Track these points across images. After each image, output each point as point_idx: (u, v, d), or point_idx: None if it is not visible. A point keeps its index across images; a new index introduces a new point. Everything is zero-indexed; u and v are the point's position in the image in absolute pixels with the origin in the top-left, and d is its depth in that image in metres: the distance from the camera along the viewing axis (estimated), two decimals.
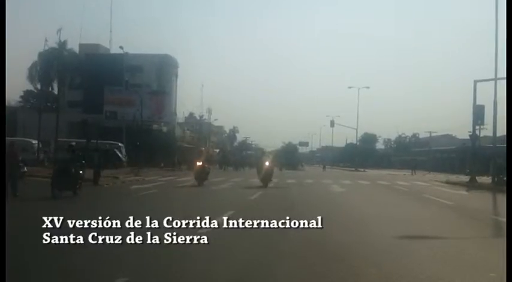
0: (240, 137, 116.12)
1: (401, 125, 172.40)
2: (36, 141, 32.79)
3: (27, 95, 67.76)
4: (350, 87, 68.62)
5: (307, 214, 12.67)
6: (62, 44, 32.57)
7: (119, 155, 39.33)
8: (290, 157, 76.67)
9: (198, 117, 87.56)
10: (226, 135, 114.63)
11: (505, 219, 11.49)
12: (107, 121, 55.35)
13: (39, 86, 35.91)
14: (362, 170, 61.21)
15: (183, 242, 6.35)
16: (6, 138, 29.24)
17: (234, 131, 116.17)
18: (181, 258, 6.77)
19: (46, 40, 32.83)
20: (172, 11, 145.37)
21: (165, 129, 59.65)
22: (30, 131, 42.06)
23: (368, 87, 69.51)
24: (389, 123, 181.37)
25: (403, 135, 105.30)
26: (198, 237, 7.97)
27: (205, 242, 6.51)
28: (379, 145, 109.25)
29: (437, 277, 5.90)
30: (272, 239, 8.61)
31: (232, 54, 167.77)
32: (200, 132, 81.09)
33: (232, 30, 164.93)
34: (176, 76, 64.41)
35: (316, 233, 9.34)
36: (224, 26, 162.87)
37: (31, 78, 34.22)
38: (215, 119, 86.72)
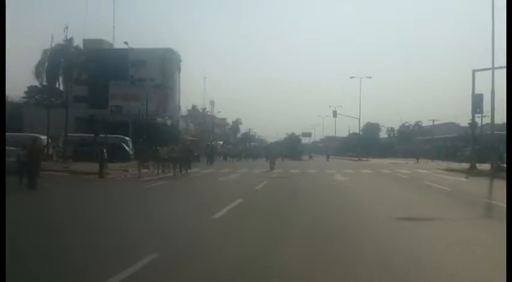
0: (243, 129, 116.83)
1: (404, 113, 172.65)
2: (46, 137, 33.44)
3: (31, 90, 68.42)
4: (352, 77, 68.84)
5: (310, 200, 13.61)
6: (69, 41, 33.18)
7: (126, 148, 40.02)
8: (293, 148, 77.32)
9: (200, 110, 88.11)
10: (229, 127, 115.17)
11: (496, 203, 12.32)
12: (112, 115, 56.03)
13: (45, 82, 36.49)
14: (365, 159, 61.74)
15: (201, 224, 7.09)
16: (27, 134, 29.84)
17: (237, 123, 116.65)
18: (200, 237, 7.71)
19: (52, 37, 33.46)
20: (173, 5, 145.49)
21: (169, 122, 60.20)
22: (35, 126, 42.71)
23: (370, 77, 69.70)
24: (392, 112, 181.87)
25: (406, 124, 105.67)
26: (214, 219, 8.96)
27: (220, 223, 7.33)
28: (382, 134, 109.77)
29: (426, 252, 6.67)
30: (280, 220, 9.48)
31: (234, 46, 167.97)
32: (203, 125, 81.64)
33: (234, 22, 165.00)
34: (179, 70, 64.91)
35: (319, 216, 10.26)
36: (225, 17, 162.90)
37: (37, 74, 34.81)
38: (218, 112, 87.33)
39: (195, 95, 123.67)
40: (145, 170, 25.22)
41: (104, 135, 30.91)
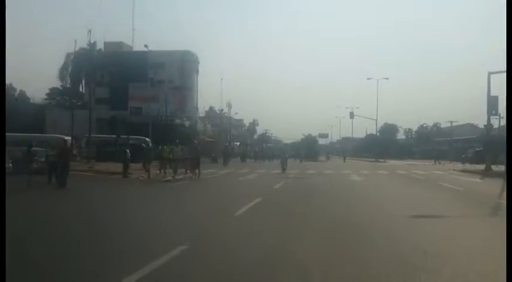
0: (260, 130, 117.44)
1: (422, 114, 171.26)
2: (70, 138, 34.54)
3: (53, 92, 70.09)
4: (369, 79, 69.04)
5: (327, 199, 14.24)
6: (92, 45, 34.31)
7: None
8: (310, 149, 77.67)
9: (218, 111, 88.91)
10: (246, 128, 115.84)
11: (505, 202, 12.74)
12: (132, 117, 57.24)
13: (69, 84, 37.71)
14: (382, 160, 61.81)
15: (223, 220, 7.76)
16: (53, 135, 30.73)
17: (253, 124, 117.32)
18: (223, 231, 8.45)
19: (75, 41, 34.61)
20: (190, 6, 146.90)
21: (187, 123, 61.13)
22: (56, 127, 43.96)
23: (387, 78, 69.87)
24: (410, 114, 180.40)
25: (425, 125, 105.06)
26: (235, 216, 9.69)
27: (241, 220, 8.01)
28: (400, 135, 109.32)
29: (434, 245, 7.21)
30: (297, 217, 10.13)
31: (251, 47, 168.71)
32: (220, 126, 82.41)
33: (252, 23, 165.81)
34: (197, 71, 65.85)
35: (334, 213, 10.87)
36: (243, 18, 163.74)
37: (62, 77, 36.06)
38: (236, 113, 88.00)
39: (212, 96, 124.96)
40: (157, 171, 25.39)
41: (126, 136, 31.82)
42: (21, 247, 6.76)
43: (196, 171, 24.08)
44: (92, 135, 38.45)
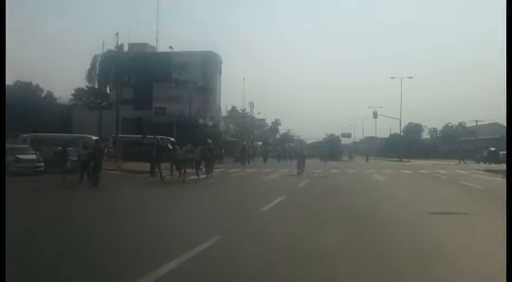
0: (282, 130, 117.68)
1: (447, 114, 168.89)
2: (97, 138, 35.45)
3: (78, 93, 71.78)
4: (393, 78, 68.57)
5: (349, 196, 14.63)
6: (120, 47, 35.30)
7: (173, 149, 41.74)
8: (333, 148, 77.48)
9: (240, 111, 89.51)
10: (268, 128, 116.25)
11: None
12: (156, 117, 58.26)
13: (96, 86, 38.83)
14: (406, 160, 61.41)
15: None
16: (88, 136, 31.62)
17: (276, 124, 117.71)
18: (252, 225, 9.09)
19: (103, 44, 35.63)
20: (213, 7, 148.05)
21: (210, 123, 61.91)
22: (84, 127, 45.13)
23: (411, 78, 69.27)
24: (435, 113, 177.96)
25: (450, 125, 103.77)
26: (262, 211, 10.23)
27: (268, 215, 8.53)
28: (425, 135, 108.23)
29: (448, 238, 7.71)
30: (320, 213, 10.56)
31: (273, 48, 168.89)
32: (243, 126, 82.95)
33: (273, 22, 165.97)
34: (220, 72, 66.54)
35: (357, 209, 11.27)
36: (265, 18, 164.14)
37: (90, 78, 37.13)
38: (258, 113, 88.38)
39: (234, 96, 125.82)
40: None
41: (153, 136, 32.55)
42: (67, 241, 7.45)
43: (209, 171, 23.10)
44: (118, 135, 39.37)
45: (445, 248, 6.93)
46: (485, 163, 44.50)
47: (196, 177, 22.53)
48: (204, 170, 23.31)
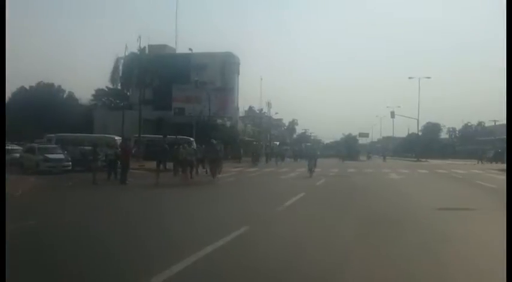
0: (299, 130, 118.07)
1: (466, 113, 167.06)
2: (120, 138, 36.46)
3: (98, 93, 73.31)
4: (410, 78, 68.63)
5: (365, 194, 15.34)
6: (142, 50, 36.43)
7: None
8: (350, 148, 77.69)
9: (257, 111, 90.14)
10: (285, 128, 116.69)
11: None
12: (175, 117, 59.31)
13: (119, 87, 40.02)
14: (424, 160, 61.43)
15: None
16: (110, 136, 32.58)
17: (293, 124, 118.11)
18: (275, 217, 10.04)
19: (126, 47, 36.76)
20: (230, 8, 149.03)
21: (228, 123, 62.70)
22: (106, 127, 46.28)
23: (429, 77, 69.23)
24: (453, 113, 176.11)
25: (469, 124, 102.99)
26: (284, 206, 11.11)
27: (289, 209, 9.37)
28: (443, 135, 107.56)
29: (459, 233, 8.39)
30: (338, 208, 11.37)
31: (291, 48, 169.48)
32: (260, 126, 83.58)
33: (290, 23, 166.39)
34: (238, 72, 67.31)
35: (372, 205, 11.98)
36: (282, 18, 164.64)
37: (113, 80, 38.29)
38: (276, 113, 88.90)
39: (251, 96, 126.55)
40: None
41: (174, 136, 33.47)
42: (129, 225, 8.84)
43: (216, 172, 21.95)
44: (139, 135, 40.38)
45: (449, 238, 7.68)
46: (490, 163, 47.06)
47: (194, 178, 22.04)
48: (208, 171, 22.40)
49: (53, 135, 35.24)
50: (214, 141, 25.19)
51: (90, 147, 29.05)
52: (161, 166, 22.62)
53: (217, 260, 6.09)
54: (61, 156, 26.68)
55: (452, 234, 8.14)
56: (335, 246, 7.04)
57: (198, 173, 22.25)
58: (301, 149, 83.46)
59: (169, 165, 24.57)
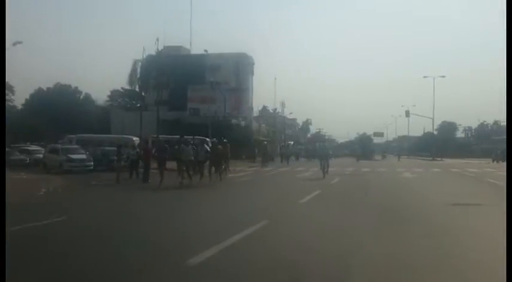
0: (313, 129, 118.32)
1: (482, 112, 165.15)
2: (138, 138, 37.30)
3: (114, 94, 74.47)
4: (425, 77, 68.62)
5: (378, 192, 15.94)
6: (160, 52, 37.23)
7: (207, 148, 43.35)
8: (365, 147, 77.81)
9: (271, 111, 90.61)
10: (299, 127, 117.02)
11: None
12: (190, 117, 60.15)
13: (137, 89, 40.89)
14: (439, 159, 61.44)
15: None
16: (128, 136, 33.30)
17: (307, 123, 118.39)
18: (294, 212, 10.86)
19: (144, 49, 37.58)
20: (244, 7, 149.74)
21: (242, 123, 63.32)
22: (123, 128, 47.23)
23: (444, 76, 69.15)
24: (469, 111, 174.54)
25: (485, 123, 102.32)
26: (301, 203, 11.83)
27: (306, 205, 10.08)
28: (459, 133, 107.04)
29: (465, 227, 8.95)
30: (352, 204, 12.20)
31: (304, 47, 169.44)
32: (274, 125, 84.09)
33: (304, 22, 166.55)
34: (252, 72, 67.92)
35: (384, 201, 12.58)
36: (296, 17, 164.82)
37: (131, 82, 39.15)
38: (290, 113, 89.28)
39: (265, 96, 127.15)
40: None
41: (191, 136, 34.21)
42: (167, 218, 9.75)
43: (218, 173, 20.83)
44: (155, 135, 41.15)
45: (453, 230, 8.37)
46: (497, 162, 47.69)
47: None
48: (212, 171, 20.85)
49: (73, 136, 36.25)
50: (217, 141, 24.60)
51: (111, 148, 30.16)
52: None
53: (245, 245, 7.00)
54: (83, 156, 27.61)
55: (454, 225, 8.88)
56: (349, 236, 7.71)
57: (202, 173, 20.61)
58: (315, 148, 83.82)
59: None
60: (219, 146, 23.32)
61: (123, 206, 12.51)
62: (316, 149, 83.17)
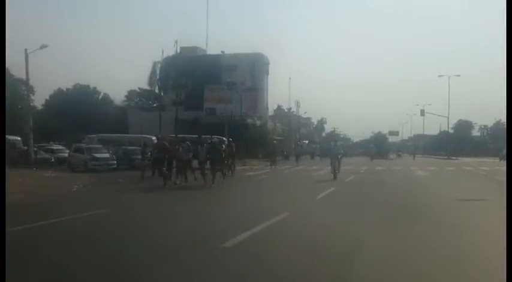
0: (328, 128, 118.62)
1: (497, 111, 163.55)
2: (156, 138, 38.29)
3: (131, 94, 75.68)
4: (440, 76, 68.79)
5: (391, 188, 16.75)
6: (178, 54, 38.43)
7: (225, 147, 44.28)
8: (379, 146, 78.06)
9: (285, 110, 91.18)
10: (314, 126, 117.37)
11: None
12: (206, 117, 61.15)
13: (157, 89, 42.11)
14: (454, 158, 61.59)
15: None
16: (148, 136, 34.44)
17: (321, 123, 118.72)
18: (311, 207, 11.83)
19: (163, 51, 38.84)
20: (259, 7, 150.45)
21: (258, 123, 64.05)
22: (140, 127, 48.29)
23: (459, 75, 69.27)
24: (485, 110, 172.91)
25: (501, 121, 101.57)
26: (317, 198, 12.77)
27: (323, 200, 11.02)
28: (475, 132, 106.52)
29: (472, 220, 9.81)
30: (365, 199, 13.04)
31: (319, 46, 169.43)
32: (289, 125, 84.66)
33: (319, 21, 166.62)
34: (267, 72, 68.64)
35: (397, 197, 13.43)
36: (310, 16, 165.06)
37: (151, 83, 40.47)
38: (305, 112, 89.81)
39: (280, 95, 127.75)
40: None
41: (209, 135, 35.17)
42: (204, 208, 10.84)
43: (217, 174, 18.71)
44: (173, 135, 42.17)
45: (456, 221, 9.27)
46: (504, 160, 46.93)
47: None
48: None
49: (94, 135, 37.40)
50: (217, 140, 23.30)
51: (132, 147, 31.26)
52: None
53: (271, 231, 8.11)
54: (107, 155, 28.78)
55: (457, 217, 9.82)
56: (363, 226, 8.59)
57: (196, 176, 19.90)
58: (329, 147, 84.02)
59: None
60: (223, 146, 22.59)
61: (155, 200, 13.56)
62: (330, 148, 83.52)
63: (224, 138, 46.41)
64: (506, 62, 7.94)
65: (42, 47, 30.04)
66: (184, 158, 19.74)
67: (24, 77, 34.30)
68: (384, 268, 5.59)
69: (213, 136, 36.27)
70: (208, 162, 19.46)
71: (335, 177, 21.11)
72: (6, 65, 49.79)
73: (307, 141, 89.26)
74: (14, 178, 18.73)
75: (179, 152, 19.98)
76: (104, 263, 5.84)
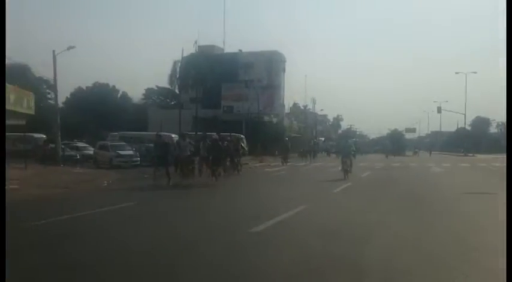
0: (344, 125, 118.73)
1: None
2: (176, 135, 39.24)
3: (148, 92, 76.83)
4: (457, 73, 68.75)
5: (405, 183, 17.50)
6: (198, 54, 39.49)
7: (242, 145, 45.22)
8: (396, 143, 78.01)
9: (302, 107, 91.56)
10: (330, 123, 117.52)
11: None
12: (224, 115, 62.04)
13: (177, 88, 43.16)
14: (471, 155, 61.57)
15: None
16: (167, 133, 35.42)
17: (337, 119, 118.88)
18: (329, 199, 12.85)
19: (182, 50, 39.87)
20: (278, 8, 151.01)
21: (275, 120, 64.75)
22: (159, 125, 49.35)
23: (475, 72, 69.17)
24: (502, 107, 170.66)
25: None
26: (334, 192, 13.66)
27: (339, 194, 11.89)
28: (493, 129, 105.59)
29: (479, 211, 10.58)
30: (380, 193, 13.98)
31: (335, 44, 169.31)
32: (305, 122, 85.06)
33: (335, 18, 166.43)
34: (284, 70, 69.22)
35: (410, 192, 14.25)
36: (327, 13, 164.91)
37: (171, 82, 41.58)
38: (321, 110, 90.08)
39: (296, 92, 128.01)
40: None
41: (228, 133, 36.12)
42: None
43: (218, 171, 18.90)
44: (192, 132, 43.17)
45: (461, 212, 10.17)
46: None
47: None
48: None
49: (116, 133, 38.49)
50: (215, 137, 22.21)
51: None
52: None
53: (293, 219, 9.10)
54: (131, 152, 29.88)
55: (470, 209, 10.66)
56: (377, 216, 9.40)
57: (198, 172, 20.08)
58: (342, 145, 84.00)
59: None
60: (225, 142, 22.69)
61: (183, 193, 14.66)
62: (347, 145, 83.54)
63: (242, 135, 47.48)
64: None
65: (70, 48, 31.21)
66: (186, 155, 19.26)
67: (45, 75, 35.34)
68: (394, 250, 6.41)
69: (231, 133, 37.32)
70: (210, 158, 19.25)
71: (346, 176, 19.90)
72: (29, 65, 51.34)
73: (323, 139, 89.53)
74: (49, 174, 19.97)
75: (185, 148, 19.60)
76: (151, 244, 6.90)
